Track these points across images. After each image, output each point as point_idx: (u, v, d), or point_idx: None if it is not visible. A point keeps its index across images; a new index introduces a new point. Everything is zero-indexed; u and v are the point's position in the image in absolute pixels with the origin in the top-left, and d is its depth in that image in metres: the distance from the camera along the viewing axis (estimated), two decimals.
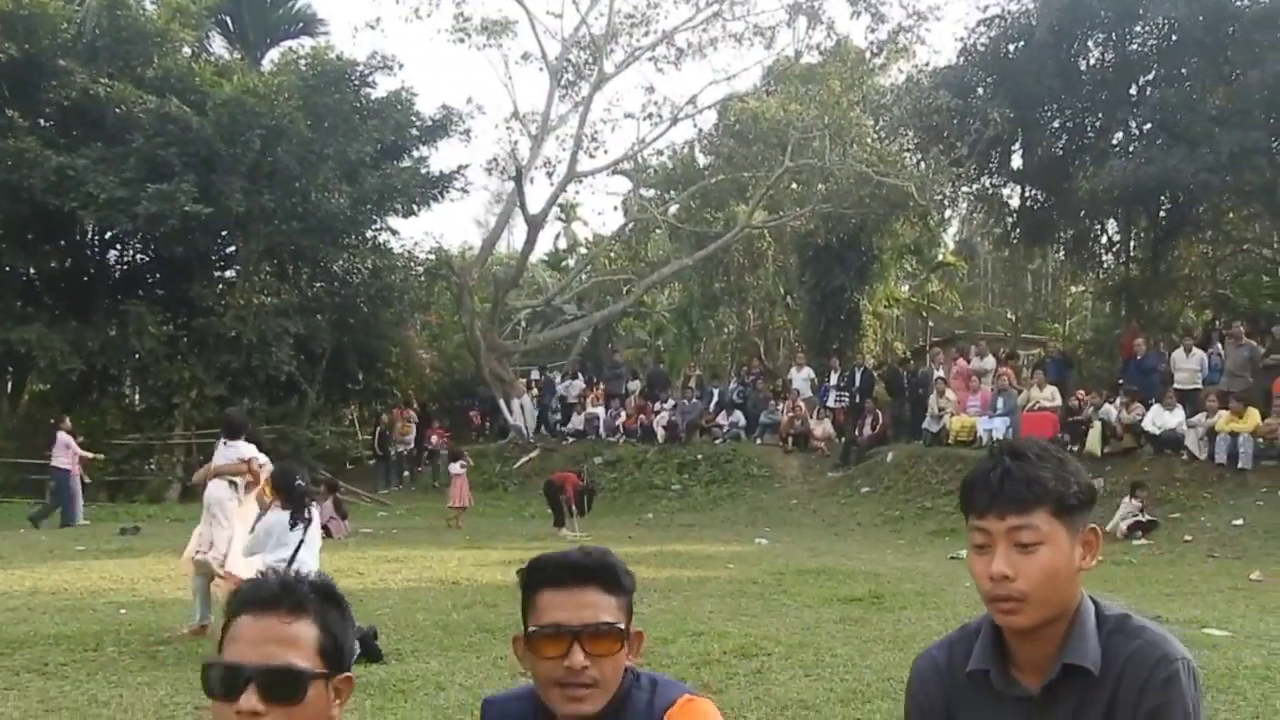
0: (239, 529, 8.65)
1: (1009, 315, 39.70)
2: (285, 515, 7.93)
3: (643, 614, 9.15)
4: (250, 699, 1.96)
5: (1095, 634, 2.14)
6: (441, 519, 20.80)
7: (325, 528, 17.97)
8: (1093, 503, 2.18)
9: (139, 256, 26.93)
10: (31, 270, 26.32)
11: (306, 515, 7.98)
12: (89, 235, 26.55)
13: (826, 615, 9.24)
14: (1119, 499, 17.16)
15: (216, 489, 9.10)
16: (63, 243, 26.65)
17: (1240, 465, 16.94)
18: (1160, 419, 18.26)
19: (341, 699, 2.09)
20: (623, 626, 2.23)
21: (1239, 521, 15.78)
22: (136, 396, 26.65)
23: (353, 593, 10.64)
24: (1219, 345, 20.42)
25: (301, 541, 7.84)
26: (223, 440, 9.37)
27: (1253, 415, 17.22)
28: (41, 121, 24.16)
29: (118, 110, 23.71)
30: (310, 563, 7.69)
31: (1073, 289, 38.98)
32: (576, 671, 2.18)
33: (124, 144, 23.82)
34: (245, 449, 9.16)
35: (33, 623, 9.25)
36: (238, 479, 9.14)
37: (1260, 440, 16.92)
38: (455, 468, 20.99)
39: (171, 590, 10.76)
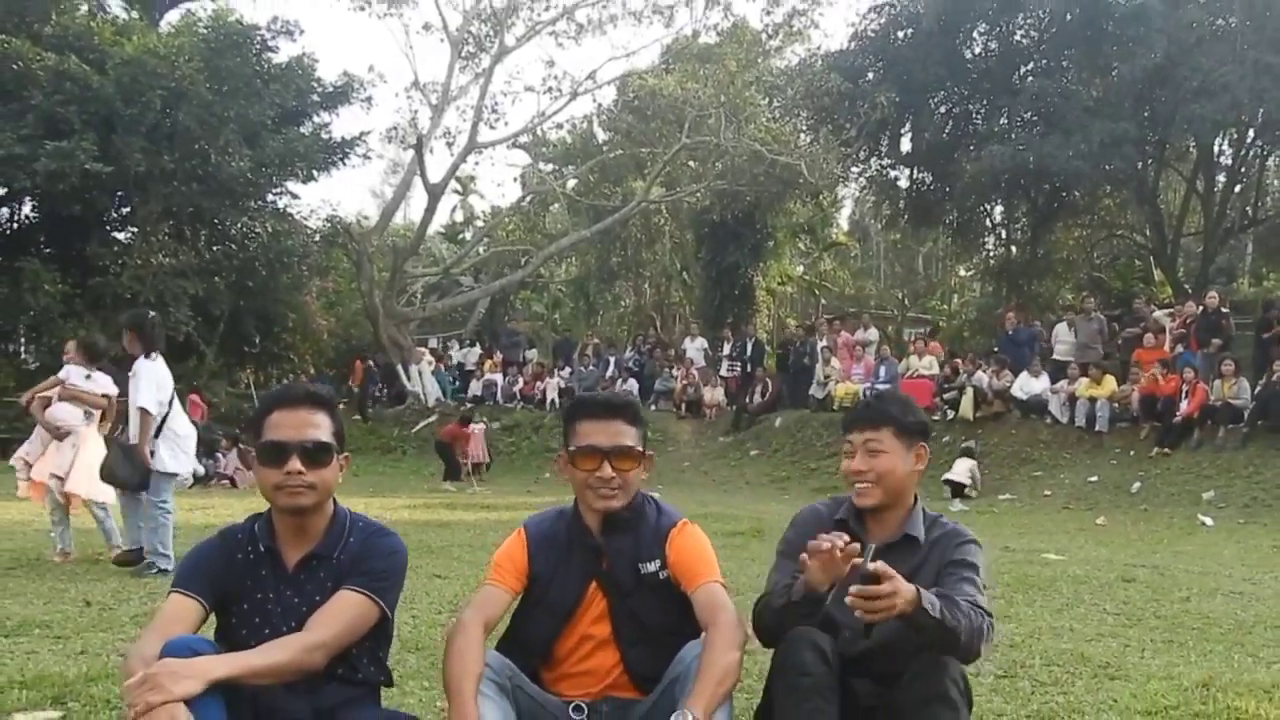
0: (86, 454, 8.56)
1: (899, 294, 40.95)
2: (160, 361, 8.20)
3: None
4: (295, 463, 2.98)
5: (920, 519, 3.30)
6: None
7: (231, 478, 18.42)
8: (925, 433, 3.38)
9: (32, 214, 26.50)
10: None
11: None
12: None
13: (714, 544, 9.95)
14: (988, 459, 18.38)
15: (70, 414, 8.79)
16: None
17: (1097, 428, 18.24)
18: (1027, 385, 19.48)
19: (343, 469, 3.11)
20: (640, 449, 3.23)
21: (1094, 478, 17.02)
22: (30, 355, 26.30)
23: None
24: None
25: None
26: (85, 373, 8.87)
27: (1109, 382, 18.50)
28: None
29: (14, 67, 23.28)
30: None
31: (960, 270, 40.41)
32: (606, 480, 3.18)
33: (21, 101, 23.46)
34: (108, 383, 8.94)
35: None
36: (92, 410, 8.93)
37: (1116, 405, 18.19)
38: (474, 428, 21.94)
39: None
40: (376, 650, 3.14)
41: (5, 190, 25.45)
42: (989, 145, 25.24)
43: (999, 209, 31.69)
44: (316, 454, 3.01)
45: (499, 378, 28.20)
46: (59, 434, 8.70)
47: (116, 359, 9.09)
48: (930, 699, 2.90)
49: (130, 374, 8.16)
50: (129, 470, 8.04)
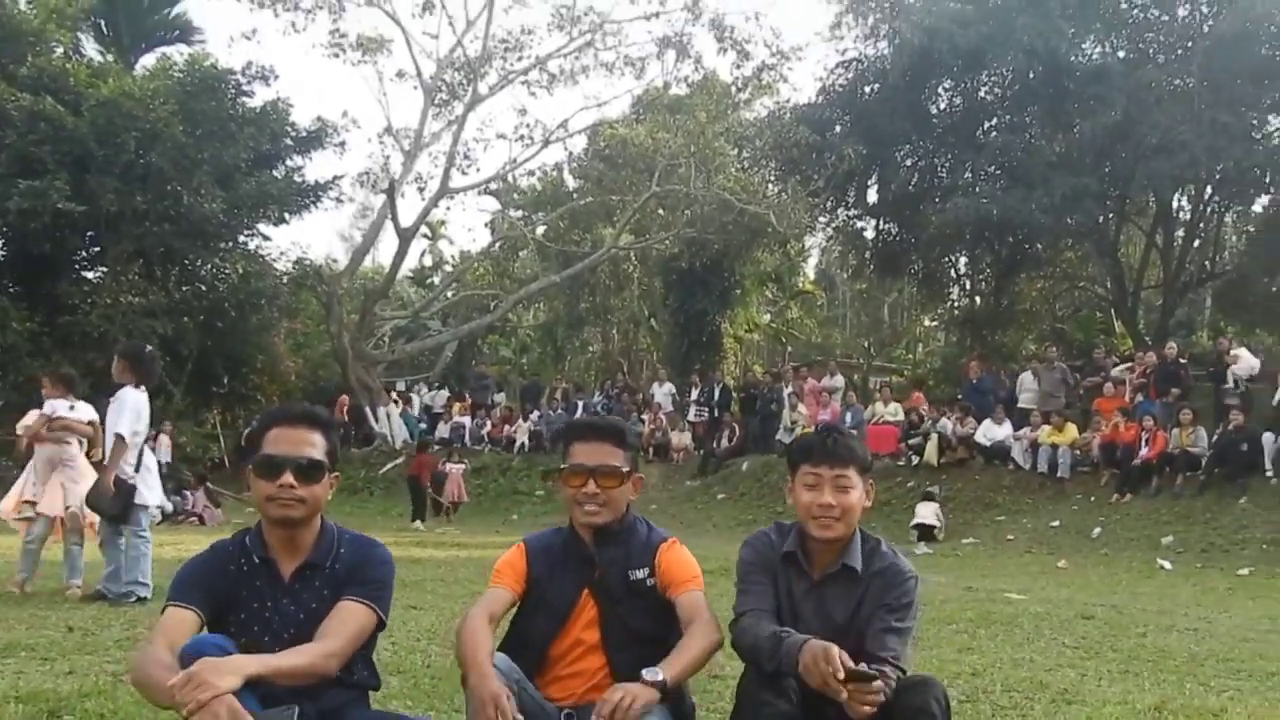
0: (86, 482, 8.62)
1: (865, 343, 41.36)
2: (144, 395, 8.35)
3: None
4: (288, 478, 3.17)
5: (860, 550, 3.42)
6: None
7: (199, 515, 18.42)
8: (871, 469, 3.56)
9: (1, 251, 26.44)
10: None
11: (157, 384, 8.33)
12: None
13: None
14: (952, 504, 18.66)
15: (64, 448, 8.80)
16: None
17: (1059, 474, 18.55)
18: (990, 432, 19.80)
19: (333, 487, 3.30)
20: (626, 470, 3.50)
21: (1055, 523, 17.31)
22: None
23: None
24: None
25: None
26: (68, 404, 8.90)
27: (1070, 429, 18.85)
28: None
29: None
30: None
31: (925, 320, 40.89)
32: (591, 495, 3.45)
33: None
34: (90, 412, 9.02)
35: None
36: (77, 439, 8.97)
37: (1077, 452, 18.54)
38: (451, 467, 22.58)
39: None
40: (369, 655, 3.33)
41: None
42: (954, 198, 25.68)
43: (963, 260, 32.23)
44: (309, 470, 3.20)
45: (467, 420, 28.28)
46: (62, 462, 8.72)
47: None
48: (918, 711, 3.09)
49: (112, 400, 8.26)
50: (109, 500, 8.10)
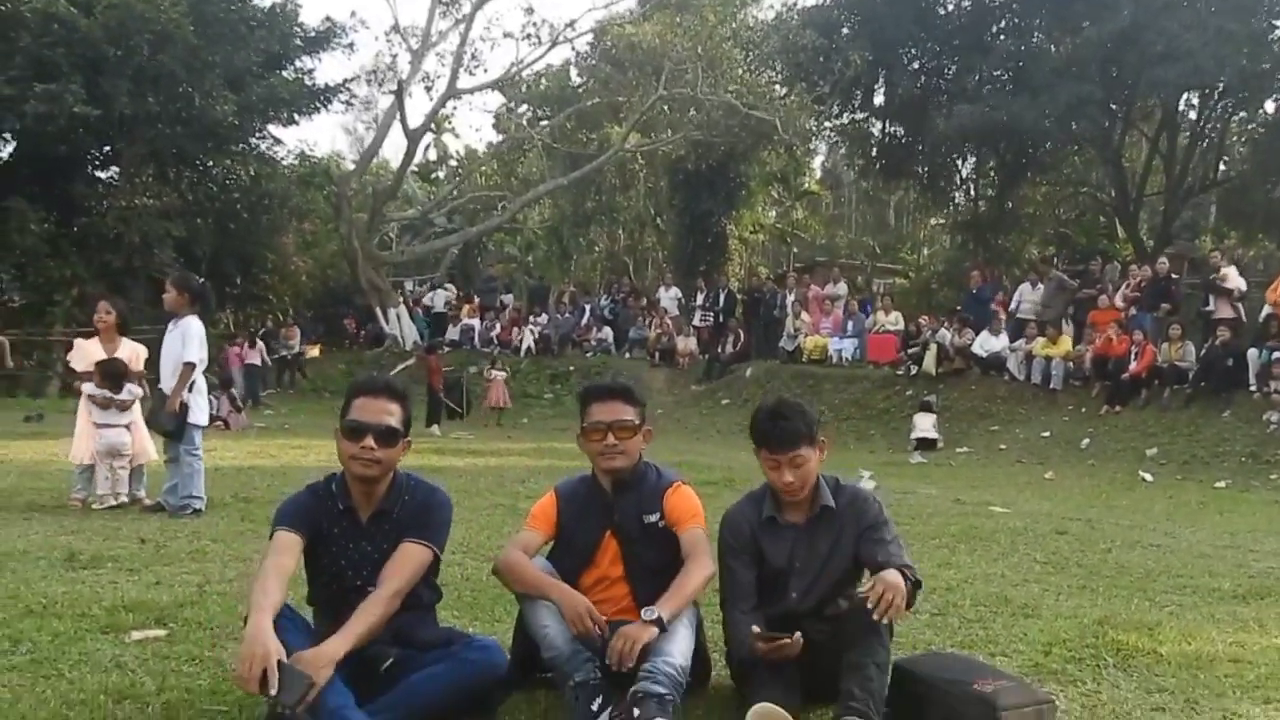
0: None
1: (869, 243, 41.70)
2: (198, 319, 8.85)
3: (529, 489, 10.61)
4: (369, 442, 3.78)
5: (827, 492, 4.11)
6: (325, 416, 21.93)
7: (224, 420, 19.11)
8: (818, 431, 4.09)
9: (19, 154, 26.81)
10: None
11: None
12: None
13: None
14: (948, 414, 19.34)
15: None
16: None
17: (1052, 385, 19.23)
18: (987, 344, 20.42)
19: (405, 450, 3.90)
20: (637, 423, 4.15)
21: (1046, 434, 18.02)
22: (15, 294, 26.79)
23: (273, 470, 11.98)
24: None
25: None
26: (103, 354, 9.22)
27: (1065, 341, 19.46)
28: None
29: (3, 8, 23.66)
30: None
31: (930, 222, 41.18)
32: (610, 446, 4.09)
33: (8, 42, 23.85)
34: (139, 350, 9.35)
35: (9, 480, 10.43)
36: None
37: (1070, 364, 19.16)
38: (494, 373, 23.17)
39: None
40: (431, 579, 4.02)
41: None
42: (960, 103, 25.88)
43: (968, 164, 32.44)
44: (387, 436, 3.82)
45: (476, 323, 28.88)
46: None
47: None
48: (865, 631, 3.75)
49: (173, 328, 8.77)
50: (165, 418, 8.68)
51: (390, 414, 3.85)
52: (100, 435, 9.00)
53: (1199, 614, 5.91)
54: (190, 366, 8.70)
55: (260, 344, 26.23)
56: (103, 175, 27.71)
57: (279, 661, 3.34)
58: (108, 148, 27.04)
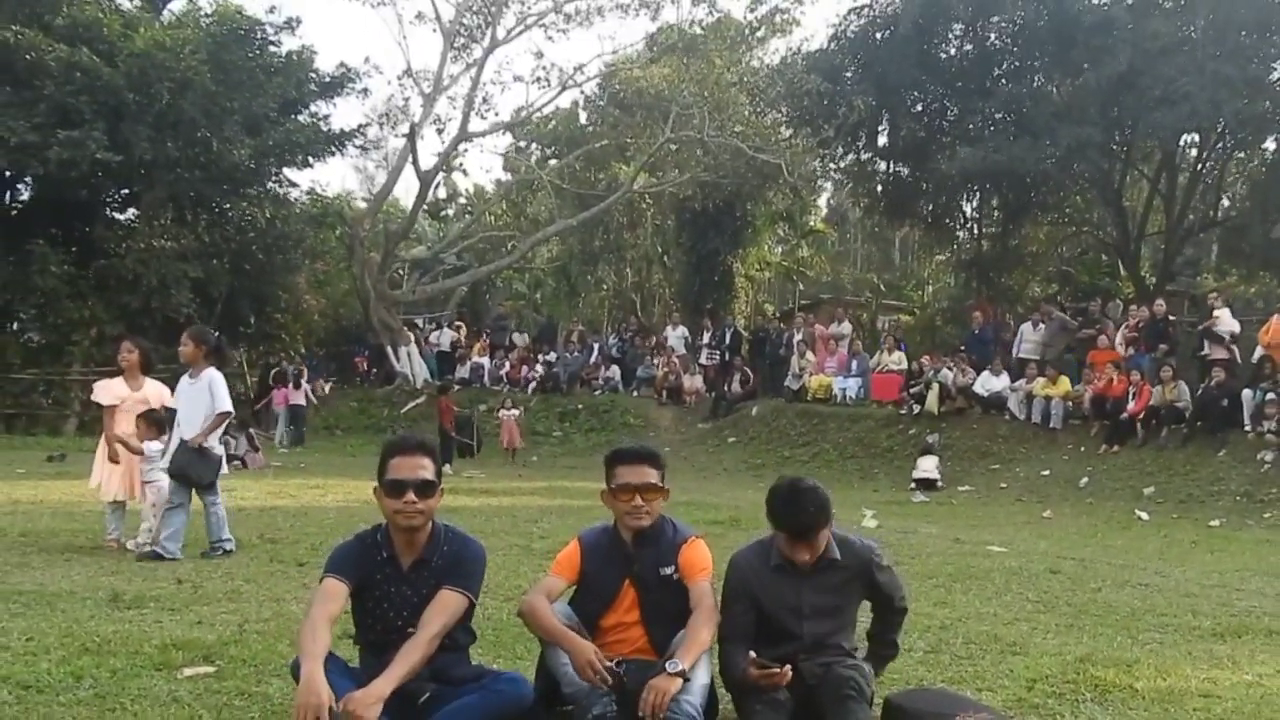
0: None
1: (874, 279, 42.06)
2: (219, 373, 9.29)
3: (543, 529, 11.00)
4: (410, 496, 4.21)
5: (834, 546, 4.51)
6: (338, 455, 22.45)
7: (242, 459, 19.50)
8: (829, 521, 4.50)
9: (40, 197, 27.41)
10: None
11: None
12: None
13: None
14: (950, 452, 19.72)
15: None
16: None
17: (1052, 425, 19.63)
18: (988, 383, 20.85)
19: (439, 498, 4.33)
20: (661, 485, 4.60)
21: (1046, 472, 18.42)
22: (35, 333, 27.30)
23: (292, 511, 12.38)
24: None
25: None
26: (127, 391, 9.70)
27: (1064, 382, 19.89)
28: None
29: (27, 57, 24.28)
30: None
31: (935, 259, 41.56)
32: (637, 507, 4.52)
33: (33, 90, 24.48)
34: (163, 392, 9.76)
35: (35, 522, 10.77)
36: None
37: (1069, 404, 19.56)
38: (505, 413, 23.44)
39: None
40: (466, 623, 4.44)
41: (14, 175, 26.40)
42: (962, 144, 26.32)
43: (972, 203, 32.90)
44: (426, 488, 4.27)
45: (486, 361, 29.32)
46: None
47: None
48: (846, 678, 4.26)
49: (192, 379, 9.17)
50: (204, 469, 9.03)
51: (425, 468, 4.29)
52: (155, 486, 9.38)
53: (1177, 651, 6.28)
54: (225, 415, 9.15)
55: (305, 385, 26.73)
56: (122, 218, 28.33)
57: (330, 709, 3.76)
58: (127, 191, 27.69)
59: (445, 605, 4.23)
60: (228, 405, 9.15)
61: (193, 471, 9.01)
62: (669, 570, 4.58)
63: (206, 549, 9.09)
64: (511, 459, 23.03)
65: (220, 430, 9.23)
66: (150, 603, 6.86)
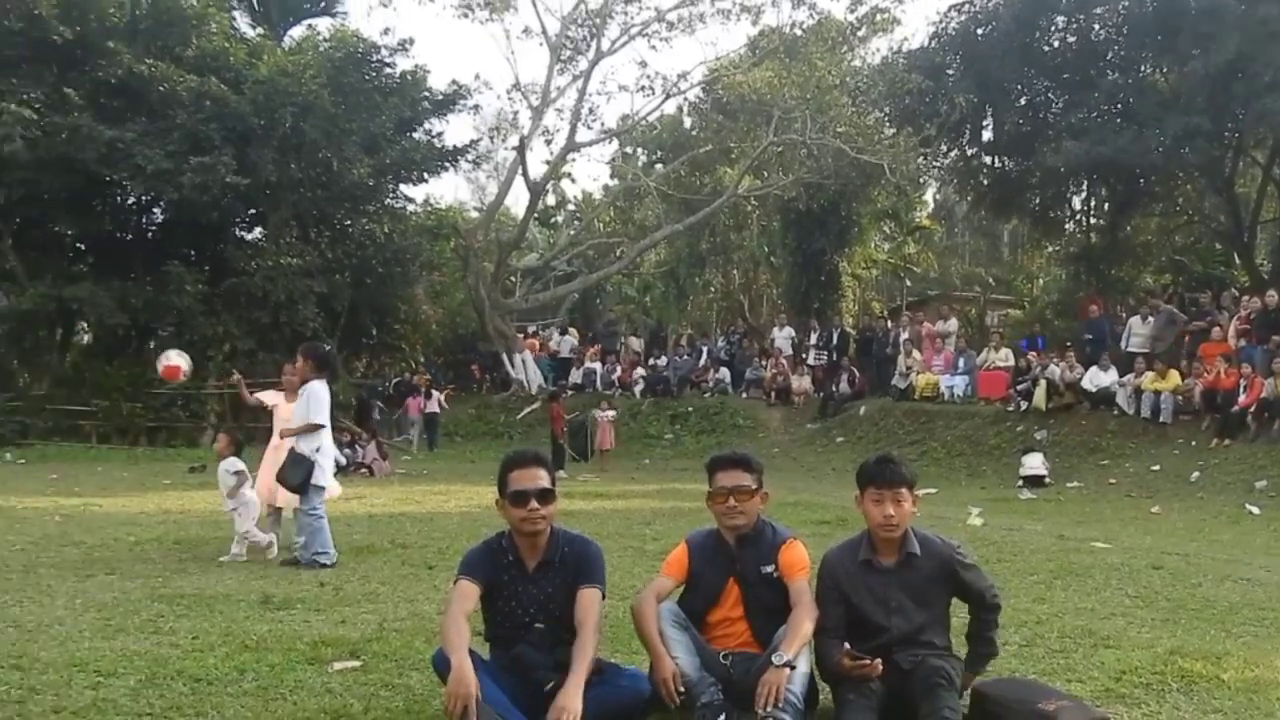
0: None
1: (983, 273, 41.75)
2: (325, 386, 9.77)
3: (655, 530, 11.46)
4: (533, 504, 4.67)
5: (914, 541, 4.78)
6: (458, 462, 23.23)
7: (369, 467, 20.39)
8: (915, 484, 4.91)
9: (174, 220, 28.87)
10: (78, 233, 28.40)
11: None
12: (128, 200, 28.74)
13: (801, 532, 11.25)
14: (1058, 449, 19.71)
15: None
16: (106, 207, 28.80)
17: (1161, 419, 19.51)
18: (1096, 378, 20.76)
19: (557, 506, 4.76)
20: (754, 487, 4.98)
21: (1156, 467, 18.32)
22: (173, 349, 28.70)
23: (419, 517, 13.06)
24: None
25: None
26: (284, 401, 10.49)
27: (1173, 376, 19.73)
28: (92, 99, 25.98)
29: (161, 88, 25.70)
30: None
31: (1044, 251, 41.09)
32: (732, 508, 4.94)
33: (167, 119, 25.90)
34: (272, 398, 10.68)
35: (186, 530, 11.56)
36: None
37: (1179, 398, 19.41)
38: (601, 415, 23.64)
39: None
40: None
41: (146, 199, 27.90)
42: (1068, 138, 26.16)
43: (1080, 195, 32.59)
44: (545, 496, 4.73)
45: (598, 366, 29.94)
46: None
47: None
48: (936, 686, 4.54)
49: (302, 392, 9.75)
50: (293, 471, 9.52)
51: (541, 478, 4.75)
52: (242, 501, 9.95)
53: (1270, 644, 6.43)
54: (315, 426, 9.62)
55: (436, 393, 27.77)
56: (250, 237, 29.75)
57: (477, 700, 4.23)
58: (254, 212, 29.03)
59: (588, 602, 4.68)
60: (317, 418, 9.59)
61: (284, 473, 9.55)
62: (769, 569, 4.95)
63: (297, 555, 9.59)
64: (602, 461, 23.13)
65: (314, 438, 9.60)
66: (298, 604, 7.49)
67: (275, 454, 10.24)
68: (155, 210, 29.25)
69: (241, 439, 10.50)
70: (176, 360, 11.29)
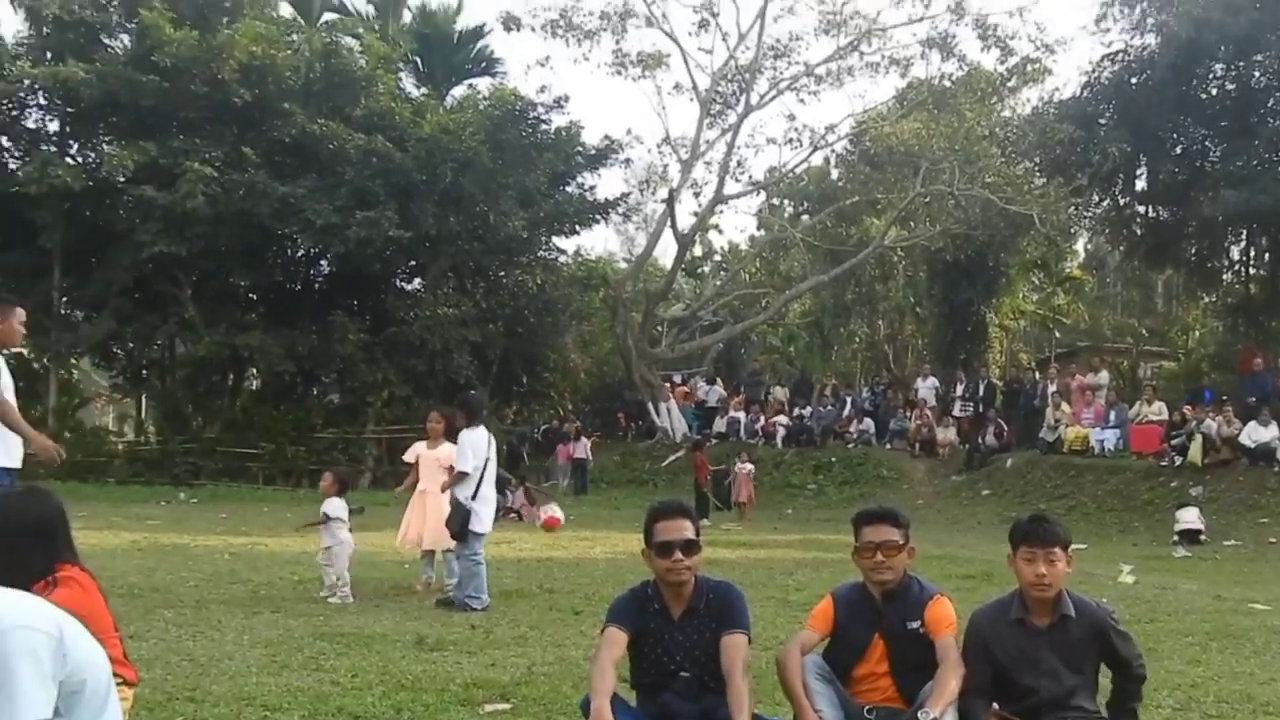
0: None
1: (1135, 324, 40.74)
2: (480, 431, 10.19)
3: (798, 581, 11.64)
4: (678, 555, 4.84)
5: (1069, 602, 4.77)
6: (603, 508, 23.68)
7: (518, 512, 20.98)
8: (1069, 544, 4.90)
9: (340, 272, 30.34)
10: (251, 284, 30.08)
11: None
12: (298, 253, 30.38)
13: (945, 586, 11.15)
14: (1214, 505, 19.19)
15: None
16: (277, 260, 30.48)
17: None
18: (1255, 434, 20.20)
19: (701, 556, 4.94)
20: (901, 543, 5.04)
21: None
22: (335, 395, 30.12)
23: (568, 562, 13.49)
24: None
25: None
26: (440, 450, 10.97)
27: None
28: (268, 156, 27.65)
29: (331, 146, 27.24)
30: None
31: (1202, 300, 39.89)
32: (879, 563, 5.02)
33: (335, 176, 27.40)
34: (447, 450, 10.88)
35: (352, 570, 11.93)
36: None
37: None
38: (740, 467, 23.76)
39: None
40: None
41: (318, 254, 29.40)
42: (1226, 187, 25.59)
43: (1238, 246, 31.71)
44: (689, 547, 4.90)
45: (742, 415, 30.15)
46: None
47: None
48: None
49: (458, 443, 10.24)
50: (451, 519, 9.98)
51: (686, 529, 4.90)
52: (335, 540, 10.28)
53: None
54: (460, 474, 10.05)
55: (585, 440, 28.45)
56: (409, 288, 31.11)
57: None
58: (414, 263, 30.32)
59: (735, 647, 4.81)
60: (462, 465, 10.02)
61: (447, 520, 10.00)
62: (915, 625, 4.95)
63: (451, 596, 9.98)
64: (741, 515, 22.92)
65: (467, 485, 9.99)
66: (450, 645, 7.82)
67: (421, 499, 10.80)
68: (322, 262, 30.81)
69: (348, 479, 10.99)
70: (557, 513, 12.00)
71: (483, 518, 10.12)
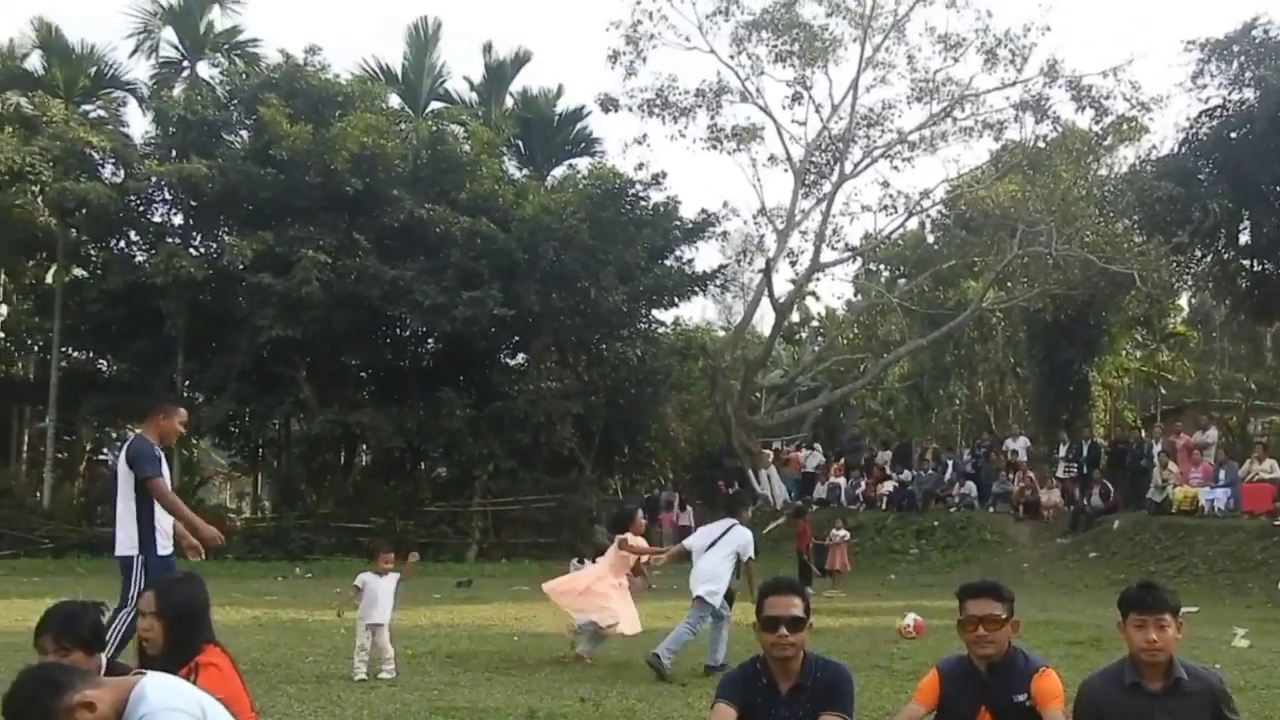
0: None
1: (1244, 379, 39.94)
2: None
3: (903, 650, 11.79)
4: (784, 631, 5.03)
5: (1180, 668, 4.76)
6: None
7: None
8: (1179, 610, 4.82)
9: (446, 349, 31.34)
10: (362, 363, 31.26)
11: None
12: (406, 333, 31.49)
13: (1053, 653, 10.85)
14: None
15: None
16: (387, 339, 31.62)
17: None
18: None
19: (808, 633, 5.13)
20: (1004, 616, 5.15)
21: None
22: (442, 469, 31.00)
23: (668, 633, 13.70)
24: None
25: None
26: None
27: None
28: (378, 241, 28.94)
29: (437, 230, 28.42)
30: None
31: None
32: (981, 637, 5.13)
33: (442, 258, 28.54)
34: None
35: (456, 644, 12.65)
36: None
37: None
38: (836, 534, 23.59)
39: (541, 624, 14.18)
40: None
41: (425, 332, 30.45)
42: None
43: None
44: (795, 624, 5.08)
45: (843, 481, 30.24)
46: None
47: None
48: None
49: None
50: None
51: (795, 606, 5.07)
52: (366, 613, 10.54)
53: None
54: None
55: (689, 508, 28.98)
56: (513, 363, 32.14)
57: None
58: (517, 339, 31.33)
59: None
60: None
61: None
62: (1022, 698, 4.97)
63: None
64: (834, 583, 22.45)
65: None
66: (560, 718, 8.13)
67: (600, 584, 11.73)
68: (430, 341, 31.90)
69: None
70: (918, 619, 12.86)
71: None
